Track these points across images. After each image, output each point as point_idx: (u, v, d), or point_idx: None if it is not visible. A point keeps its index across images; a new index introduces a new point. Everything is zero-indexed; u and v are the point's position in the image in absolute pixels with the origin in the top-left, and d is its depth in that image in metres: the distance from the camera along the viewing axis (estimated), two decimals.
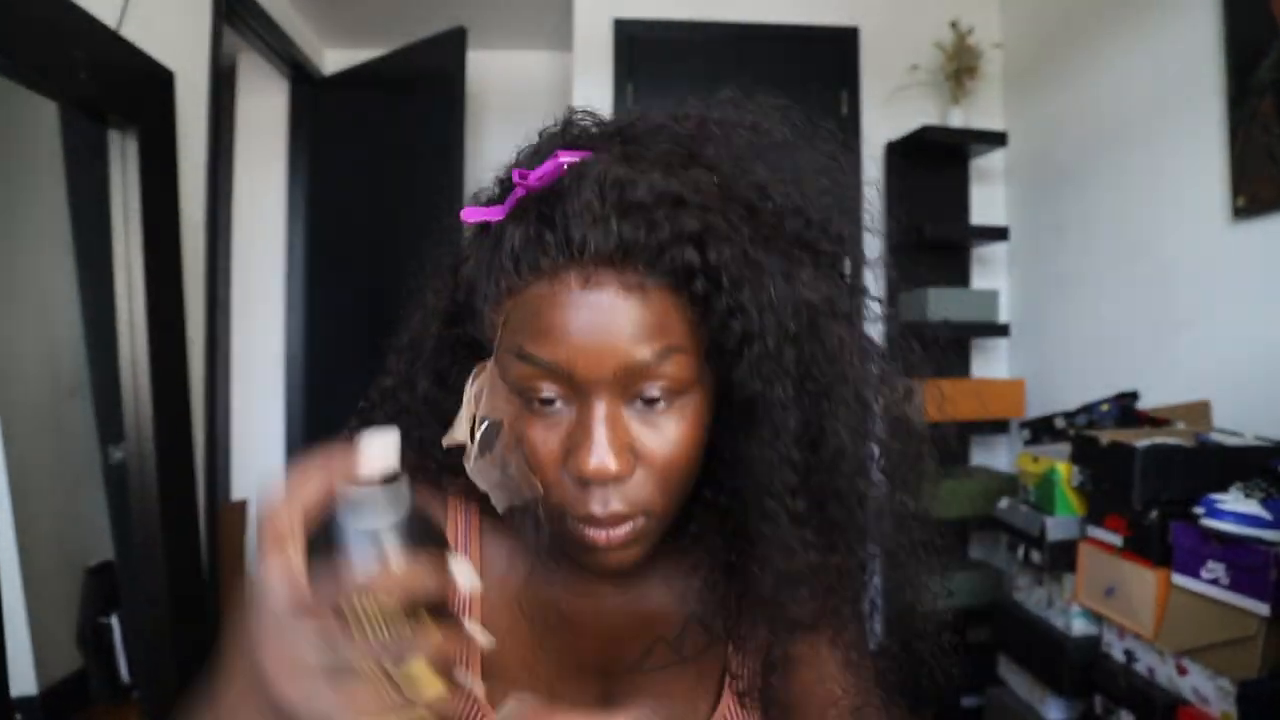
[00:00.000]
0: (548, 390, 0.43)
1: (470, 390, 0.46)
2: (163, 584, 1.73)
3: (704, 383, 0.45)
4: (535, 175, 0.44)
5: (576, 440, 0.43)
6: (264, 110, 3.07)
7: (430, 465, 0.52)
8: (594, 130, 0.49)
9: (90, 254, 1.89)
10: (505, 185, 0.50)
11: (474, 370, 0.46)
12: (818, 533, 0.46)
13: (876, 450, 0.49)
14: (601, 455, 0.42)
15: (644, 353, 0.42)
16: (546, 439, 0.44)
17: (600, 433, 0.42)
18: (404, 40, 2.75)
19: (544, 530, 0.47)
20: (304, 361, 2.99)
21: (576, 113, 0.50)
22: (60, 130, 1.95)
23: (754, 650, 0.53)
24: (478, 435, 0.44)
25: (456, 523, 0.55)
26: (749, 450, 0.45)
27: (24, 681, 1.96)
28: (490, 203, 0.50)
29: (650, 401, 0.43)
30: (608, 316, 0.41)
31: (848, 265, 0.51)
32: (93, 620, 2.21)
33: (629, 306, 0.42)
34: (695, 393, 0.45)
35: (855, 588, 0.51)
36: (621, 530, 0.44)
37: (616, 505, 0.43)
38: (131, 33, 1.70)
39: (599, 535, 0.44)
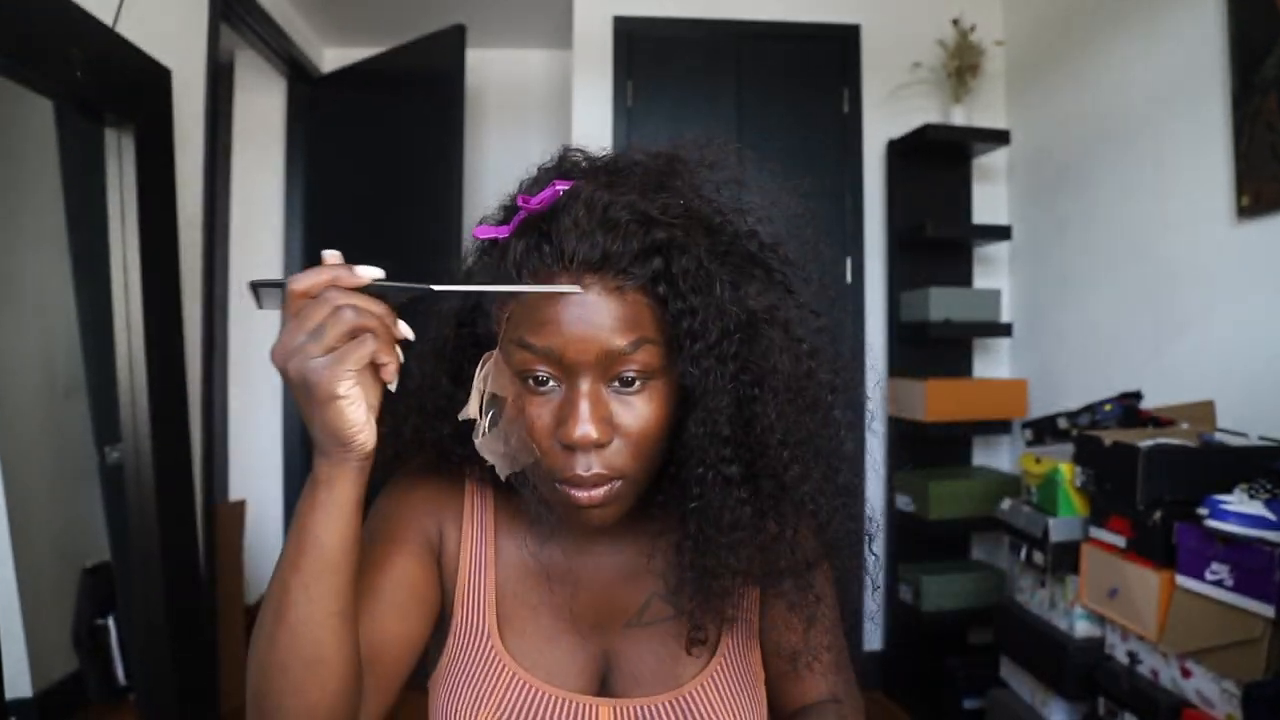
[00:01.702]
0: (543, 371, 0.53)
1: (479, 375, 0.54)
2: (159, 585, 1.72)
3: (672, 370, 0.54)
4: (536, 200, 0.53)
5: (565, 413, 0.53)
6: (262, 108, 3.05)
7: (454, 456, 0.62)
8: (584, 164, 0.59)
9: (87, 253, 1.88)
10: (509, 209, 0.58)
11: (482, 359, 0.55)
12: (750, 497, 0.55)
13: (804, 432, 0.56)
14: (584, 425, 0.52)
15: (620, 342, 0.51)
16: (541, 413, 0.54)
17: (584, 406, 0.52)
18: (403, 38, 2.73)
19: (538, 490, 0.57)
20: None
21: (571, 150, 0.60)
22: (56, 128, 1.93)
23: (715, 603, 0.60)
24: (486, 411, 0.54)
25: (474, 502, 0.66)
26: (689, 427, 0.54)
27: (19, 683, 1.95)
28: (497, 223, 0.58)
29: (626, 383, 0.53)
30: (592, 312, 0.51)
31: (795, 282, 0.60)
32: (89, 621, 2.20)
33: (609, 304, 0.51)
34: (663, 378, 0.54)
35: (792, 547, 0.58)
36: (600, 490, 0.54)
37: (597, 468, 0.53)
38: (128, 30, 1.69)
39: (581, 495, 0.54)
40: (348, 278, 0.45)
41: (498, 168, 3.13)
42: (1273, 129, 1.61)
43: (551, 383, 0.53)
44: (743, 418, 0.54)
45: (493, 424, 0.54)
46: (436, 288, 0.49)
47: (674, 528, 0.58)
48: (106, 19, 1.63)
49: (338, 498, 0.48)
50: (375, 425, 0.48)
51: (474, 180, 2.91)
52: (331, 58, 3.15)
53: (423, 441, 0.62)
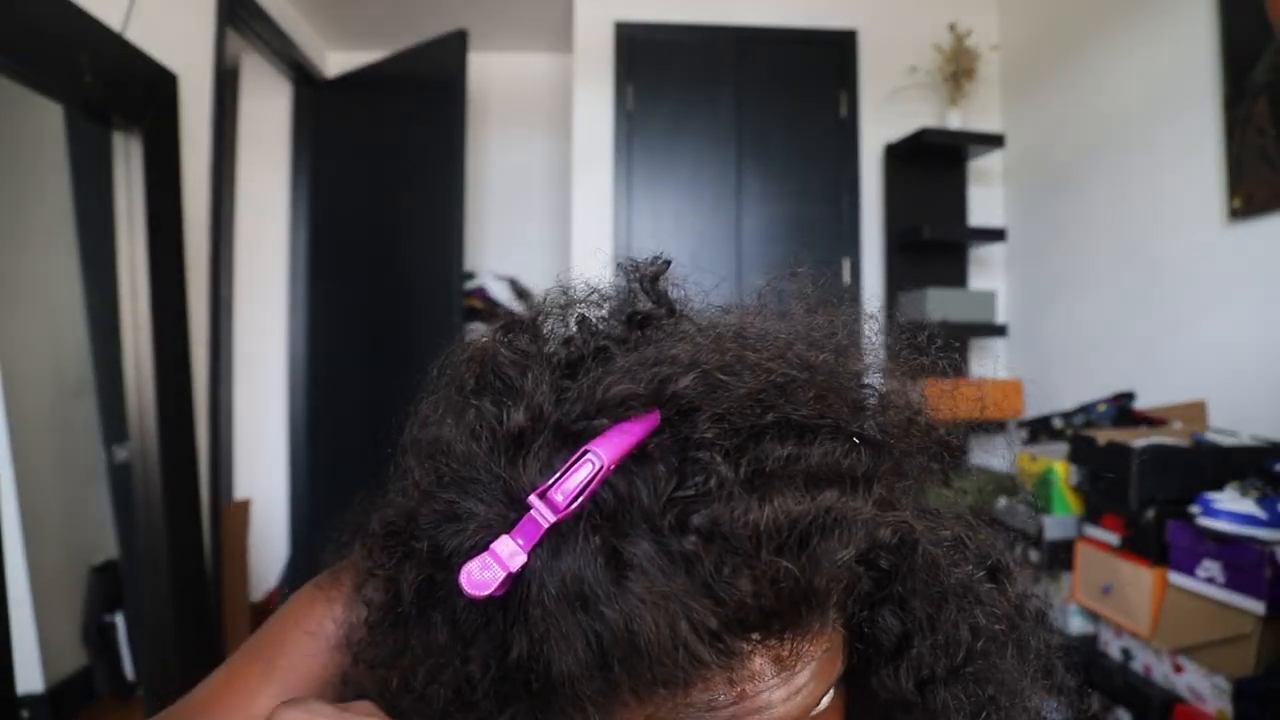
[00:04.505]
0: None
1: None
2: (167, 582, 1.74)
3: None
4: (566, 493, 0.29)
5: None
6: (267, 112, 3.08)
7: None
8: (613, 386, 0.31)
9: (95, 255, 1.90)
10: (492, 490, 0.32)
11: None
12: None
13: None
14: None
15: (814, 710, 0.34)
16: None
17: None
18: (406, 43, 2.76)
19: None
20: (307, 361, 3.00)
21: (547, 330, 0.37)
22: (65, 132, 1.96)
23: None
24: None
25: None
26: None
27: (31, 678, 1.97)
28: (478, 533, 0.32)
29: None
30: (775, 699, 0.32)
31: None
32: (98, 618, 2.22)
33: (798, 678, 0.32)
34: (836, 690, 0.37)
35: None
36: None
37: None
38: (136, 35, 1.72)
39: None
40: None
41: (500, 170, 3.16)
42: (1263, 133, 1.63)
43: None
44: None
45: None
46: None
47: None
48: (115, 25, 1.66)
49: None
50: None
51: (476, 183, 2.94)
52: (335, 61, 3.17)
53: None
